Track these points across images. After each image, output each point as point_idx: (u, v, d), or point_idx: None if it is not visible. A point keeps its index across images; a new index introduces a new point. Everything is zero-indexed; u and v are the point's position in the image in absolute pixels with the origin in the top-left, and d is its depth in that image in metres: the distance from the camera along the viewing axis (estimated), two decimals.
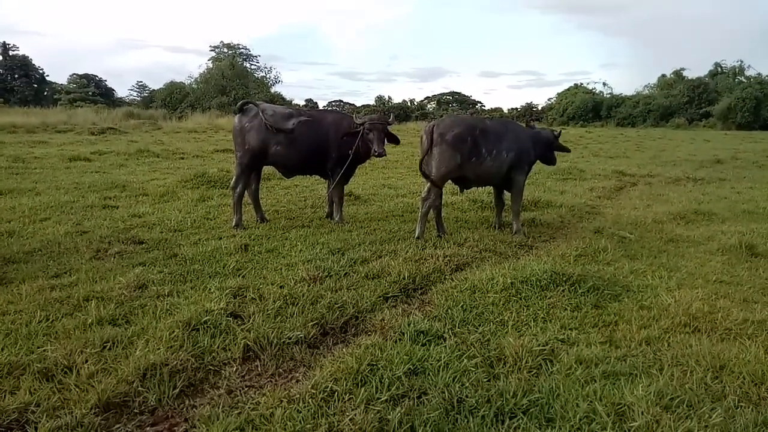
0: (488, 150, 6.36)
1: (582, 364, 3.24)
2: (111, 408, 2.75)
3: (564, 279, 4.59)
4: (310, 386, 2.91)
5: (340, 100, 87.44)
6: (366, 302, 4.29)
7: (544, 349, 3.42)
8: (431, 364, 3.22)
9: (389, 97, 78.06)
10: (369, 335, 3.75)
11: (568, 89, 71.20)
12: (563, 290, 4.46)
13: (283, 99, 52.44)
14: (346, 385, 2.94)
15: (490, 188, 7.70)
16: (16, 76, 63.27)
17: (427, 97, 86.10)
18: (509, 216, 7.20)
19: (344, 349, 3.49)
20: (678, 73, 64.19)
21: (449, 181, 6.65)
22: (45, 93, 62.58)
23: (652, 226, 7.40)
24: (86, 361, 3.13)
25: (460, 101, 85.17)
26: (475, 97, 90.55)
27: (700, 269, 5.37)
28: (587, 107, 64.66)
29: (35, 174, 10.96)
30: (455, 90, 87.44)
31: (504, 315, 4.07)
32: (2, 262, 5.00)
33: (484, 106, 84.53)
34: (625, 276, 5.03)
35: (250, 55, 58.40)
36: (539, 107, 74.92)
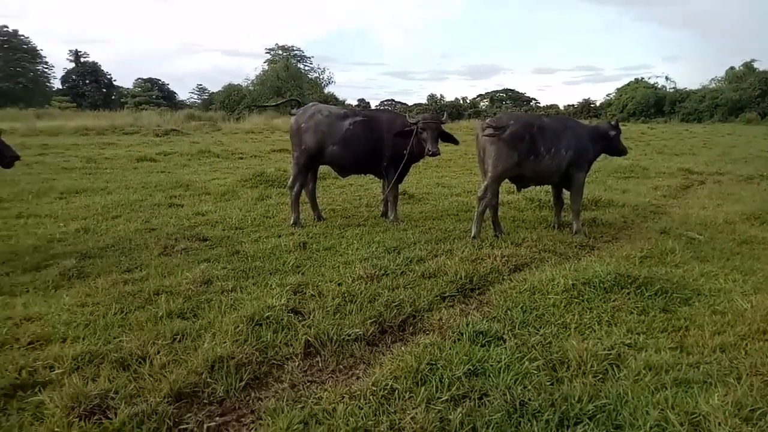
0: (546, 148, 6.22)
1: (651, 370, 3.12)
2: (182, 397, 2.87)
3: (629, 281, 4.42)
4: (370, 383, 2.94)
5: (392, 100, 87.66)
6: (423, 301, 4.28)
7: (610, 354, 3.32)
8: (491, 365, 3.18)
9: (441, 96, 77.63)
10: (427, 334, 3.75)
11: (628, 84, 68.48)
12: (628, 293, 4.30)
13: (336, 99, 53.11)
14: (406, 384, 2.95)
15: (548, 187, 7.52)
16: (87, 81, 67.01)
17: (480, 95, 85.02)
18: (568, 215, 7.01)
19: (403, 348, 3.51)
20: (748, 65, 60.50)
21: (506, 180, 6.55)
22: (113, 97, 65.97)
23: (724, 227, 7.02)
24: (158, 352, 3.28)
25: (514, 98, 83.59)
26: (530, 94, 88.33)
27: None
28: (649, 102, 61.99)
29: (106, 174, 11.58)
30: (508, 87, 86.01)
31: (566, 317, 3.97)
32: (80, 257, 5.31)
33: (539, 103, 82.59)
34: (696, 279, 4.80)
35: (304, 56, 59.58)
36: (597, 103, 72.46)
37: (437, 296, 4.44)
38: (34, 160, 12.99)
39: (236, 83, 54.92)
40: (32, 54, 64.01)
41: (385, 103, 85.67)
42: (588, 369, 3.15)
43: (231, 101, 51.53)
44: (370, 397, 2.82)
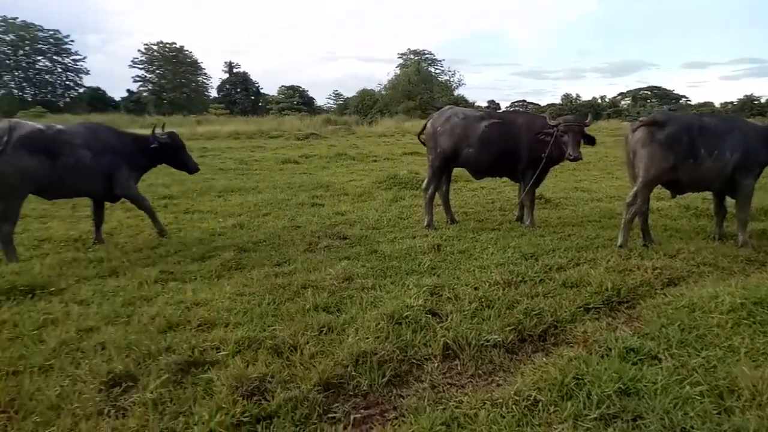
0: (708, 150, 5.63)
1: None
2: (330, 387, 3.04)
3: None
4: (512, 392, 2.88)
5: (524, 100, 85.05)
6: (565, 312, 4.09)
7: None
8: (645, 386, 2.95)
9: (577, 95, 73.64)
10: (571, 347, 3.58)
11: None
12: None
13: (466, 101, 52.78)
14: (551, 397, 2.85)
15: (707, 193, 6.80)
16: (238, 90, 73.84)
17: (621, 93, 79.17)
18: (732, 226, 6.27)
19: (545, 359, 3.38)
20: None
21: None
22: (260, 104, 71.89)
23: None
24: (307, 343, 3.51)
25: (660, 96, 76.68)
26: (678, 91, 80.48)
27: None
28: None
29: (256, 174, 12.65)
30: (653, 84, 78.95)
31: (733, 340, 3.55)
32: (237, 251, 5.85)
33: (689, 100, 74.82)
34: None
35: (435, 59, 60.11)
36: (762, 100, 63.81)
37: (580, 307, 4.21)
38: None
39: (369, 88, 56.95)
40: (194, 67, 72.02)
41: (516, 103, 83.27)
42: (764, 400, 2.79)
43: (364, 106, 53.51)
44: (513, 407, 2.76)
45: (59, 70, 67.14)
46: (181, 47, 70.51)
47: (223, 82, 74.33)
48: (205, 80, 74.30)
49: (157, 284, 4.86)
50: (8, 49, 62.80)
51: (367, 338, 3.49)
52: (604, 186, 11.09)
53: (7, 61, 62.90)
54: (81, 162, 5.86)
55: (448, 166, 7.23)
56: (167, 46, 70.04)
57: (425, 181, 7.26)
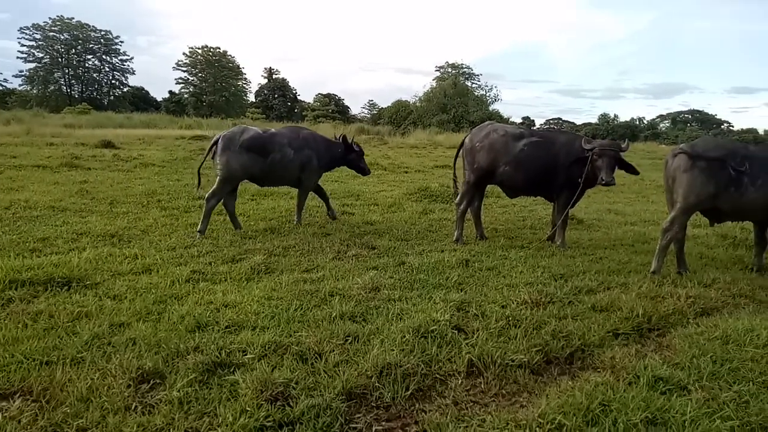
0: (752, 180, 5.46)
1: None
2: (353, 397, 3.06)
3: None
4: (537, 414, 2.85)
5: (559, 119, 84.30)
6: (594, 336, 4.03)
7: None
8: (674, 416, 2.89)
9: (615, 116, 72.45)
10: (598, 372, 3.52)
11: None
12: None
13: (501, 117, 52.37)
14: (576, 422, 2.81)
15: (746, 223, 6.61)
16: (276, 96, 75.28)
17: (660, 116, 77.86)
18: None
19: (571, 383, 3.33)
20: None
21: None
22: (296, 110, 73.05)
23: None
24: (332, 351, 3.54)
25: (701, 120, 74.99)
26: (721, 116, 78.65)
27: None
28: None
29: None
30: (695, 108, 77.32)
31: None
32: (267, 255, 5.95)
33: (732, 126, 72.85)
34: None
35: (473, 74, 60.00)
36: None
37: (609, 332, 4.14)
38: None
39: (405, 99, 57.14)
40: (235, 71, 73.69)
41: (551, 121, 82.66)
42: None
43: (398, 116, 53.70)
44: (537, 429, 2.73)
45: (107, 69, 69.81)
46: (225, 52, 72.36)
47: (262, 88, 75.88)
48: (244, 85, 75.90)
49: (188, 283, 4.97)
50: (62, 48, 65.58)
51: (392, 350, 3.51)
52: (638, 209, 10.88)
53: (60, 60, 65.61)
54: (285, 157, 7.34)
55: (484, 183, 7.21)
56: (211, 50, 71.93)
57: (459, 196, 7.25)
